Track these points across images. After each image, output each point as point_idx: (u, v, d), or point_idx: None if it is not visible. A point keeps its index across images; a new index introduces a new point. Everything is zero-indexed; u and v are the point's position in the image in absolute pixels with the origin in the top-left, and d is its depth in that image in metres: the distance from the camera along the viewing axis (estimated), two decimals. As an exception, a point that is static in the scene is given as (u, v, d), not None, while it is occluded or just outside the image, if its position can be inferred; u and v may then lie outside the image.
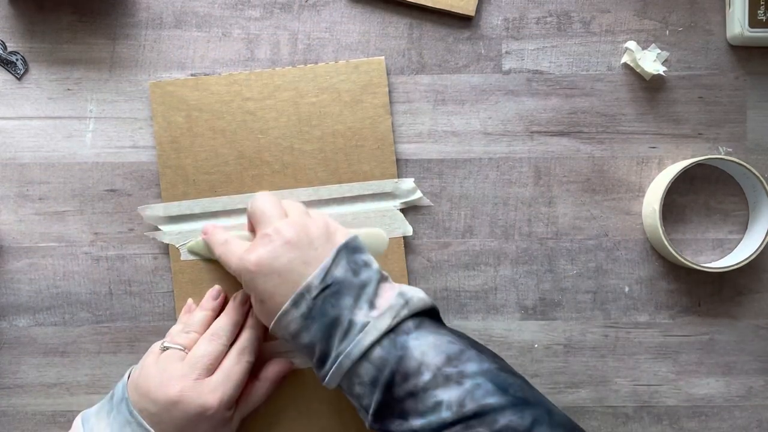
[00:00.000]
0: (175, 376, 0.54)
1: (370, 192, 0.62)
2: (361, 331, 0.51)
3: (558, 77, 0.64)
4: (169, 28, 0.63)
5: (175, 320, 0.62)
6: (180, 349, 0.56)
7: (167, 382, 0.53)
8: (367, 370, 0.51)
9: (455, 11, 0.63)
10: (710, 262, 0.64)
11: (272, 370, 0.59)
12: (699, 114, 0.64)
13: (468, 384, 0.49)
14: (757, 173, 0.60)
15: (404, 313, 0.52)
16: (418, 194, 0.63)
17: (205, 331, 0.57)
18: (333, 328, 0.52)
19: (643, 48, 0.64)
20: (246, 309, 0.59)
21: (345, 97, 0.62)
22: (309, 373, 0.62)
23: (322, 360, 0.52)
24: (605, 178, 0.64)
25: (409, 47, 0.64)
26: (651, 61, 0.63)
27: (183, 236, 0.62)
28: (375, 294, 0.53)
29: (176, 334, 0.58)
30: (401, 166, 0.63)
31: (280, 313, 0.52)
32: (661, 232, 0.60)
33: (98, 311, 0.63)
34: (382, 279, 0.54)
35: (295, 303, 0.52)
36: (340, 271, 0.52)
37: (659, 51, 0.64)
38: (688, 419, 0.63)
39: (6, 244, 0.63)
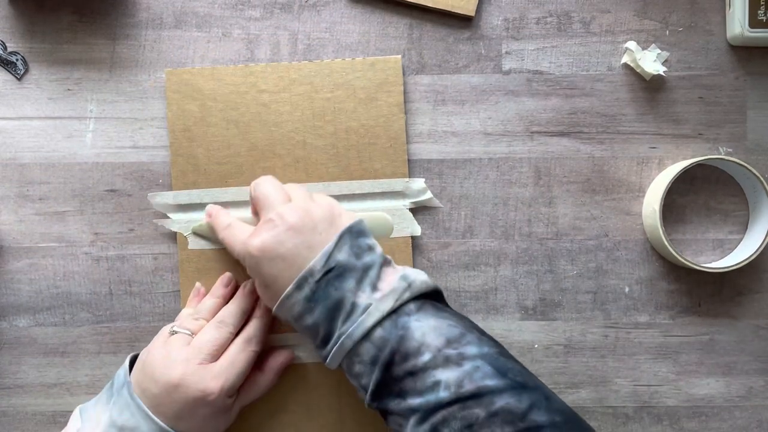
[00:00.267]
0: (179, 360, 0.54)
1: (381, 190, 0.62)
2: (363, 312, 0.51)
3: (558, 77, 0.64)
4: (169, 28, 0.63)
5: (174, 319, 0.62)
6: (188, 334, 0.56)
7: (171, 365, 0.54)
8: (367, 350, 0.51)
9: (455, 11, 0.63)
10: (710, 263, 0.64)
11: (276, 361, 0.60)
12: (699, 114, 0.64)
13: (467, 366, 0.49)
14: (757, 173, 0.60)
15: (406, 295, 0.52)
16: (429, 195, 0.63)
17: (213, 317, 0.58)
18: (336, 310, 0.52)
19: (643, 48, 0.64)
20: (255, 298, 0.59)
21: (360, 94, 0.62)
22: (310, 367, 0.62)
23: (325, 341, 0.53)
24: (605, 178, 0.64)
25: (409, 47, 0.64)
26: (651, 62, 0.63)
27: (191, 225, 0.62)
28: (378, 277, 0.53)
29: (185, 318, 0.58)
30: (401, 167, 0.63)
31: (283, 296, 0.53)
32: (661, 232, 0.60)
33: (98, 311, 0.63)
34: (385, 263, 0.54)
35: (299, 286, 0.52)
36: (342, 255, 0.53)
37: (659, 51, 0.64)
38: (688, 419, 0.63)
39: (6, 244, 0.63)
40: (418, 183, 0.63)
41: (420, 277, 0.54)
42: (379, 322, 0.51)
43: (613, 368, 0.63)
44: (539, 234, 0.63)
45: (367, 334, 0.51)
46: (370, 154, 0.62)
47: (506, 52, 0.64)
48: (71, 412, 0.61)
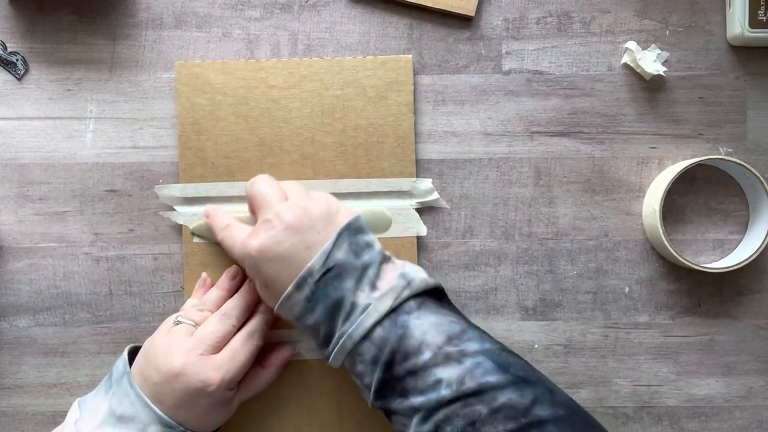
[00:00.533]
0: (181, 349, 0.54)
1: (388, 189, 0.62)
2: (363, 312, 0.51)
3: (558, 77, 0.64)
4: (169, 29, 0.63)
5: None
6: (191, 325, 0.56)
7: (173, 354, 0.54)
8: (368, 350, 0.51)
9: (455, 11, 0.63)
10: (710, 263, 0.64)
11: (278, 357, 0.60)
12: (699, 114, 0.64)
13: (468, 363, 0.49)
14: (757, 173, 0.60)
15: (406, 293, 0.52)
16: (435, 195, 0.63)
17: (218, 309, 0.58)
18: (336, 310, 0.52)
19: (644, 48, 0.64)
20: None
21: (370, 93, 0.62)
22: (311, 364, 0.62)
23: (327, 340, 0.53)
24: (605, 178, 0.64)
25: (409, 47, 0.64)
26: (651, 62, 0.63)
27: (197, 218, 0.62)
28: (377, 275, 0.53)
29: (189, 309, 0.58)
30: (401, 167, 0.63)
31: (283, 297, 0.53)
32: (661, 232, 0.60)
33: (98, 312, 0.63)
34: (384, 260, 0.54)
35: (298, 287, 0.52)
36: (341, 254, 0.53)
37: (659, 51, 0.64)
38: (688, 419, 0.63)
39: (6, 244, 0.63)
40: (426, 183, 0.63)
41: (419, 275, 0.54)
42: (379, 322, 0.51)
43: (613, 368, 0.63)
44: (539, 234, 0.63)
45: (368, 334, 0.51)
46: (378, 153, 0.62)
47: (506, 52, 0.64)
48: (71, 412, 0.62)
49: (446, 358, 0.50)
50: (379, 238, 0.60)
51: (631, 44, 0.63)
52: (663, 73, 0.63)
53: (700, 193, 0.64)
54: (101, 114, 0.63)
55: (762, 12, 0.62)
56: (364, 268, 0.53)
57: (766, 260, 0.64)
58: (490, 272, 0.63)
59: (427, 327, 0.51)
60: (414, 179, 0.62)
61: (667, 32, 0.64)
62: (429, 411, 0.49)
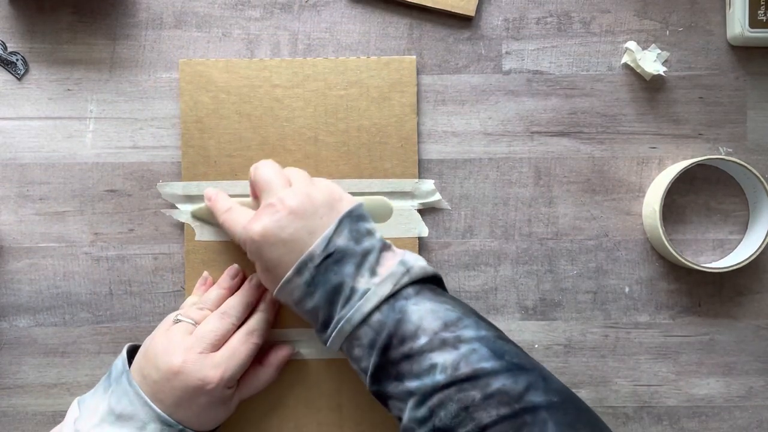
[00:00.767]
0: (181, 347, 0.54)
1: (390, 190, 0.62)
2: (362, 297, 0.52)
3: (558, 77, 0.64)
4: (169, 28, 0.63)
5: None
6: (191, 323, 0.56)
7: (173, 352, 0.54)
8: (366, 333, 0.52)
9: (455, 11, 0.63)
10: (710, 263, 0.64)
11: (277, 356, 0.60)
12: (699, 114, 0.64)
13: (464, 348, 0.50)
14: (757, 173, 0.60)
15: (405, 280, 0.52)
16: (437, 196, 0.63)
17: (217, 308, 0.58)
18: (335, 294, 0.52)
19: (644, 48, 0.64)
20: (260, 291, 0.59)
21: (373, 93, 0.62)
22: (311, 363, 0.62)
23: (325, 324, 0.54)
24: (605, 178, 0.64)
25: (409, 47, 0.64)
26: (651, 62, 0.63)
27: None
28: (377, 262, 0.53)
29: (189, 307, 0.58)
30: (401, 167, 0.63)
31: (283, 281, 0.53)
32: (661, 232, 0.60)
33: (98, 311, 0.63)
34: (385, 247, 0.55)
35: (299, 271, 0.53)
36: (342, 240, 0.53)
37: (659, 51, 0.64)
38: (688, 419, 0.63)
39: (6, 244, 0.63)
40: (428, 184, 0.63)
41: (419, 263, 0.54)
42: (377, 307, 0.52)
43: (613, 368, 0.63)
44: (539, 234, 0.64)
45: (366, 318, 0.52)
46: (380, 153, 0.62)
47: (506, 52, 0.64)
48: (71, 412, 0.62)
49: (442, 344, 0.50)
50: None
51: (631, 44, 0.63)
52: (663, 73, 0.63)
53: (700, 193, 0.64)
54: (101, 114, 0.63)
55: (762, 12, 0.62)
56: (365, 254, 0.53)
57: (766, 260, 0.64)
58: (490, 272, 0.63)
59: (424, 313, 0.51)
60: (416, 180, 0.62)
61: (667, 32, 0.64)
62: (424, 395, 0.49)
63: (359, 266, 0.53)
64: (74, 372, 0.62)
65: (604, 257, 0.64)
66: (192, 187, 0.62)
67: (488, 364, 0.49)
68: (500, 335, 0.52)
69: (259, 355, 0.59)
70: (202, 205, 0.62)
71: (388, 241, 0.56)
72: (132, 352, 0.58)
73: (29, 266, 0.63)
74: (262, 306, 0.59)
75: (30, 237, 0.63)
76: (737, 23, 0.62)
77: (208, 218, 0.62)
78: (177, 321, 0.57)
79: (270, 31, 0.64)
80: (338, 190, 0.56)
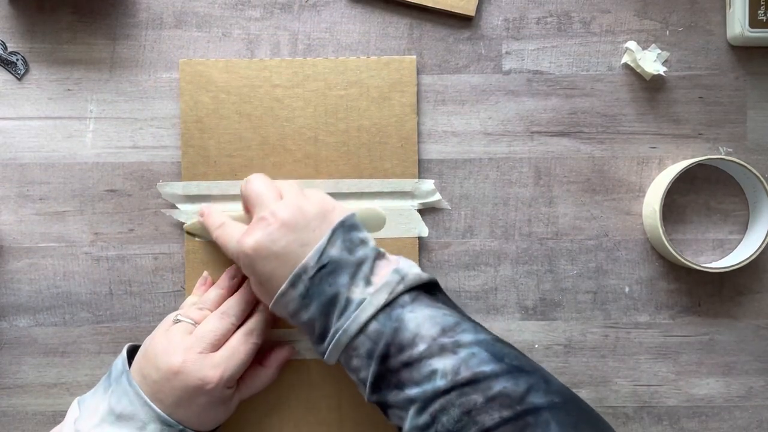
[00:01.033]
0: (180, 347, 0.54)
1: (390, 190, 0.62)
2: (357, 307, 0.52)
3: (558, 77, 0.64)
4: (169, 28, 0.63)
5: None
6: (191, 323, 0.56)
7: (172, 352, 0.54)
8: (363, 344, 0.52)
9: (455, 11, 0.63)
10: (710, 262, 0.64)
11: (277, 355, 0.60)
12: (699, 114, 0.64)
13: (463, 353, 0.49)
14: (757, 173, 0.60)
15: (400, 288, 0.52)
16: (437, 196, 0.63)
17: (217, 308, 0.58)
18: (331, 305, 0.52)
19: (644, 48, 0.64)
20: None
21: (373, 93, 0.62)
22: (311, 363, 0.62)
23: (322, 336, 0.53)
24: (605, 178, 0.64)
25: (409, 47, 0.64)
26: (651, 61, 0.63)
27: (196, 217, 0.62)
28: (371, 271, 0.53)
29: (189, 307, 0.58)
30: (401, 167, 0.63)
31: (277, 294, 0.53)
32: (661, 232, 0.60)
33: (98, 311, 0.63)
34: (378, 256, 0.55)
35: (293, 284, 0.53)
36: (335, 251, 0.53)
37: (659, 51, 0.64)
38: (688, 419, 0.63)
39: (6, 244, 0.63)
40: (428, 184, 0.63)
41: (413, 270, 0.54)
42: (373, 316, 0.51)
43: (613, 368, 0.63)
44: (539, 234, 0.64)
45: (362, 329, 0.52)
46: (380, 153, 0.62)
47: (506, 52, 0.64)
48: (71, 412, 0.62)
49: (441, 349, 0.50)
50: (381, 239, 0.61)
51: (631, 44, 0.63)
52: (663, 73, 0.63)
53: (700, 193, 0.64)
54: (101, 114, 0.63)
55: (762, 12, 0.62)
56: (359, 264, 0.53)
57: (766, 260, 0.64)
58: (490, 272, 0.63)
59: (421, 320, 0.51)
60: (416, 180, 0.62)
61: (667, 32, 0.64)
62: (425, 402, 0.49)
63: (354, 276, 0.53)
64: (74, 372, 0.62)
65: (604, 257, 0.64)
66: (192, 187, 0.62)
67: (488, 368, 0.49)
68: (498, 338, 0.52)
69: (259, 355, 0.58)
70: (195, 221, 0.62)
71: (381, 249, 0.55)
72: (132, 352, 0.58)
73: (29, 266, 0.63)
74: (261, 306, 0.59)
75: (30, 237, 0.63)
76: (737, 23, 0.62)
77: (203, 234, 0.62)
78: (177, 321, 0.57)
79: (270, 31, 0.64)
80: (330, 201, 0.56)
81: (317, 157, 0.62)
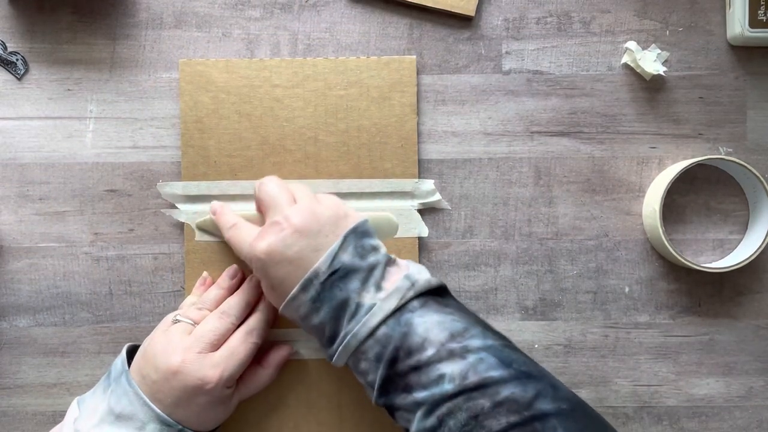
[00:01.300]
0: (179, 347, 0.54)
1: (390, 190, 0.62)
2: (368, 312, 0.52)
3: (558, 77, 0.64)
4: (169, 28, 0.63)
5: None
6: (190, 323, 0.56)
7: (172, 352, 0.54)
8: (372, 347, 0.52)
9: (455, 11, 0.63)
10: (710, 263, 0.64)
11: (277, 356, 0.60)
12: (699, 114, 0.64)
13: (471, 358, 0.50)
14: (757, 173, 0.60)
15: (410, 294, 0.52)
16: (437, 196, 0.63)
17: (217, 308, 0.58)
18: (341, 310, 0.52)
19: (644, 48, 0.64)
20: (259, 291, 0.59)
21: (373, 93, 0.62)
22: (311, 363, 0.62)
23: (331, 340, 0.54)
24: (605, 178, 0.64)
25: (409, 47, 0.64)
26: (651, 61, 0.63)
27: (199, 216, 0.62)
28: (382, 277, 0.53)
29: (188, 307, 0.59)
30: (401, 167, 0.63)
31: (288, 297, 0.53)
32: (661, 232, 0.60)
33: (98, 311, 0.63)
34: (389, 262, 0.55)
35: (304, 288, 0.53)
36: (347, 256, 0.53)
37: (659, 51, 0.64)
38: (688, 419, 0.63)
39: (6, 244, 0.63)
40: (428, 184, 0.63)
41: (423, 276, 0.54)
42: (383, 321, 0.52)
43: (613, 368, 0.63)
44: (539, 234, 0.64)
45: (372, 333, 0.52)
46: (380, 153, 0.62)
47: (506, 52, 0.64)
48: (71, 412, 0.62)
49: (449, 354, 0.50)
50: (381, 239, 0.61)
51: (631, 44, 0.63)
52: (663, 73, 0.63)
53: (700, 193, 0.64)
54: (101, 114, 0.63)
55: (762, 12, 0.62)
56: (370, 269, 0.53)
57: (766, 260, 0.64)
58: (490, 272, 0.63)
59: (430, 325, 0.51)
60: (416, 180, 0.62)
61: (667, 32, 0.64)
62: (432, 405, 0.49)
63: (365, 282, 0.53)
64: (74, 372, 0.63)
65: (604, 257, 0.64)
66: (192, 187, 0.62)
67: (496, 373, 0.49)
68: (507, 344, 0.52)
69: (258, 355, 0.59)
70: (207, 218, 0.62)
71: (392, 256, 0.56)
72: (131, 352, 0.58)
73: (29, 266, 0.63)
74: (261, 306, 0.59)
75: (30, 237, 0.63)
76: (737, 23, 0.62)
77: (214, 230, 0.62)
78: (176, 321, 0.57)
79: (270, 31, 0.64)
80: (343, 206, 0.56)
81: (317, 157, 0.62)
